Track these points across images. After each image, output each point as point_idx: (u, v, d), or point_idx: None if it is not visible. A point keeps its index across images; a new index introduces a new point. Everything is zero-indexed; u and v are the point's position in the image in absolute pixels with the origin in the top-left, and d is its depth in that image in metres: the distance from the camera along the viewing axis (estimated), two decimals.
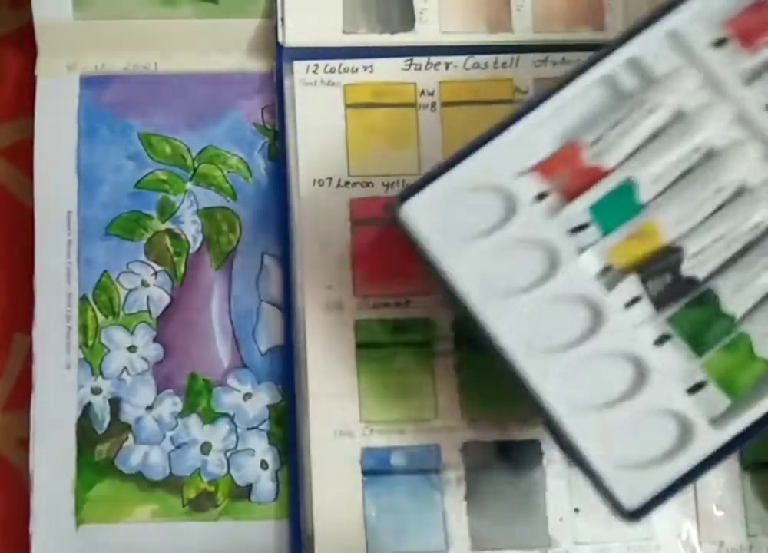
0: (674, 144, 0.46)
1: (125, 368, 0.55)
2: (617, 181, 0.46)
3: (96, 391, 0.55)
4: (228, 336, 0.56)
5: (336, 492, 0.53)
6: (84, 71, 0.58)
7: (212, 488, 0.54)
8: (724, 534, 0.54)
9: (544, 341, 0.45)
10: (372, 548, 0.53)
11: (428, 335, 0.55)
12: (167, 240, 0.57)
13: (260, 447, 0.55)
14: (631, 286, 0.45)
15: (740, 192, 0.46)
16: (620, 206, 0.46)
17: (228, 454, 0.55)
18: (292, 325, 0.55)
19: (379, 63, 0.57)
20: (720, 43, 0.47)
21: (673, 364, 0.45)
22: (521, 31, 0.59)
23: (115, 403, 0.55)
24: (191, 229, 0.57)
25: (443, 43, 0.58)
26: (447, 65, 0.58)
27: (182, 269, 0.56)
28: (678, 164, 0.46)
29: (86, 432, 0.54)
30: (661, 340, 0.45)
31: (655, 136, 0.47)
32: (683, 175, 0.46)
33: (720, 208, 0.46)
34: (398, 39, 0.58)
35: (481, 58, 0.58)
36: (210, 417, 0.55)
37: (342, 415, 0.54)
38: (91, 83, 0.58)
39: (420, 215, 0.46)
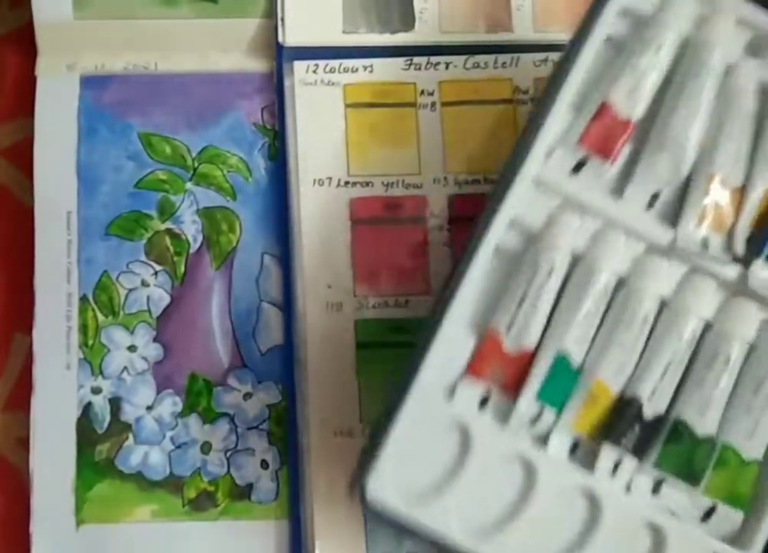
0: (582, 293, 0.45)
1: (125, 368, 0.55)
2: (549, 360, 0.45)
3: (96, 391, 0.55)
4: (228, 336, 0.56)
5: (336, 492, 0.53)
6: (84, 71, 0.58)
7: (212, 488, 0.54)
8: None
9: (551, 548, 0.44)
10: (371, 548, 0.53)
11: None
12: (167, 240, 0.57)
13: (260, 447, 0.55)
14: (608, 452, 0.44)
15: (663, 310, 0.45)
16: (561, 381, 0.45)
17: (228, 454, 0.55)
18: (292, 325, 0.55)
19: (378, 63, 0.58)
20: (579, 166, 0.46)
21: (679, 505, 0.45)
22: (521, 30, 0.59)
23: (115, 403, 0.55)
24: (191, 229, 0.57)
25: (443, 43, 0.58)
26: (447, 65, 0.58)
27: (182, 269, 0.56)
28: (595, 312, 0.45)
29: (86, 432, 0.54)
30: (657, 487, 0.45)
31: (561, 293, 0.45)
32: (606, 319, 0.45)
33: (651, 337, 0.45)
34: (398, 39, 0.58)
35: (481, 58, 0.58)
36: (210, 417, 0.55)
37: (342, 415, 0.54)
38: (91, 83, 0.58)
39: (389, 490, 0.43)
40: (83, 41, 0.58)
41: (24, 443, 0.54)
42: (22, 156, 0.57)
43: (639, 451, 0.44)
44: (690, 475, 0.44)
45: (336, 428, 0.53)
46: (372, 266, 0.55)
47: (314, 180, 0.56)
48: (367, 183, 0.56)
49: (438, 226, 0.56)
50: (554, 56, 0.58)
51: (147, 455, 0.54)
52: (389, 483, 0.43)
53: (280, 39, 0.58)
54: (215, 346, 0.56)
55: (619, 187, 0.46)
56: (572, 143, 0.46)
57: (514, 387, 0.45)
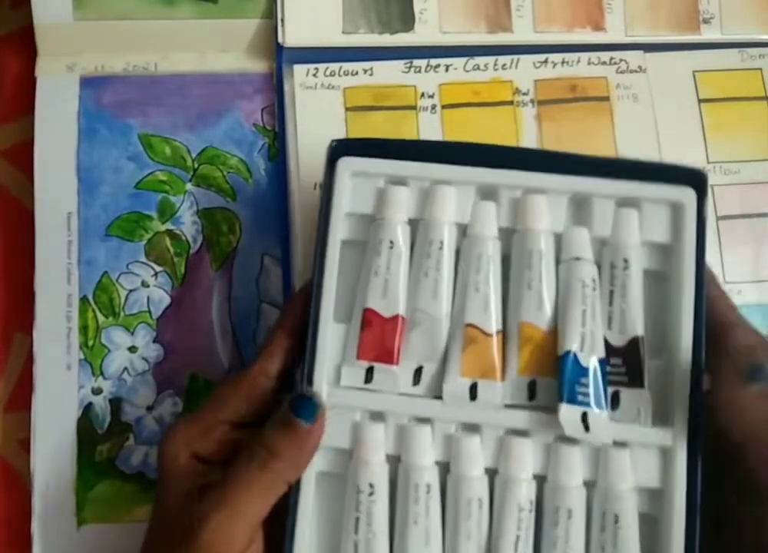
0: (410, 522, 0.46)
1: (125, 368, 0.55)
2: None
3: (96, 391, 0.55)
4: (228, 337, 0.56)
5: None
6: (84, 72, 0.58)
7: None
8: None
9: None
10: None
11: None
12: (167, 241, 0.57)
13: None
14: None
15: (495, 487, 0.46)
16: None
17: None
18: None
19: (378, 66, 0.58)
20: (369, 377, 0.47)
21: None
22: (521, 31, 0.59)
23: (116, 403, 0.55)
24: (191, 229, 0.57)
25: (443, 43, 0.58)
26: (447, 67, 0.58)
27: (182, 269, 0.56)
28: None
29: (86, 432, 0.54)
30: None
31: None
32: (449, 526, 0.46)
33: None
34: (398, 39, 0.58)
35: (481, 60, 0.58)
36: None
37: None
38: (91, 83, 0.58)
39: None
40: (83, 42, 0.58)
41: (24, 444, 0.54)
42: (22, 157, 0.57)
43: None
44: None
45: None
46: None
47: (315, 184, 0.56)
48: None
49: None
50: (554, 57, 0.58)
51: (147, 455, 0.55)
52: None
53: (280, 40, 0.58)
54: (215, 347, 0.56)
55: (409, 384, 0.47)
56: (353, 359, 0.47)
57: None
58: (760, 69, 0.59)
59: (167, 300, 0.56)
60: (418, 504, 0.45)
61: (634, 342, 0.46)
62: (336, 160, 0.48)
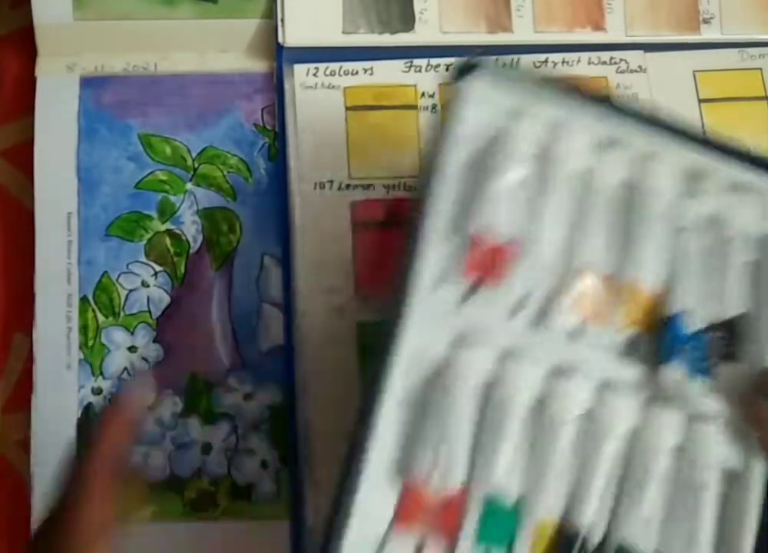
0: (501, 423, 0.44)
1: (125, 368, 0.55)
2: (479, 502, 0.44)
3: (96, 391, 0.55)
4: (228, 337, 0.56)
5: None
6: (84, 72, 0.58)
7: (212, 489, 0.54)
8: None
9: None
10: None
11: None
12: (167, 241, 0.57)
13: (260, 447, 0.55)
14: None
15: (586, 427, 0.45)
16: (498, 520, 0.44)
17: (228, 454, 0.55)
18: (292, 326, 0.55)
19: (379, 65, 0.58)
20: (469, 294, 0.45)
21: None
22: (521, 31, 0.59)
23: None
24: (191, 229, 0.57)
25: (443, 43, 0.58)
26: (447, 67, 0.58)
27: (182, 269, 0.56)
28: (518, 441, 0.44)
29: (86, 433, 0.54)
30: None
31: (479, 424, 0.44)
32: (530, 446, 0.44)
33: (578, 457, 0.45)
34: (398, 39, 0.58)
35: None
36: (210, 417, 0.55)
37: (343, 417, 0.53)
38: (91, 83, 0.58)
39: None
40: (83, 42, 0.58)
41: (24, 444, 0.54)
42: (22, 157, 0.57)
43: None
44: None
45: (337, 429, 0.53)
46: (374, 268, 0.55)
47: (315, 184, 0.56)
48: (368, 186, 0.56)
49: None
50: (555, 57, 0.58)
51: (147, 456, 0.54)
52: None
53: (280, 39, 0.58)
54: (215, 347, 0.56)
55: (511, 311, 0.45)
56: (458, 275, 0.45)
57: (450, 531, 0.43)
58: (760, 69, 0.59)
59: (167, 300, 0.56)
60: (506, 430, 0.44)
61: (740, 318, 0.46)
62: (464, 76, 0.46)
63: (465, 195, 0.46)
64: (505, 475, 0.44)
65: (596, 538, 0.44)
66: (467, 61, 0.46)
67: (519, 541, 0.44)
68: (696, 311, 0.45)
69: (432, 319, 0.44)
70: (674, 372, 0.45)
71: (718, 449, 0.45)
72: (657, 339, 0.45)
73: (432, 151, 0.46)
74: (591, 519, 0.44)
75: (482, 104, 0.46)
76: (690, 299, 0.46)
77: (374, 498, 0.43)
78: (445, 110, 0.47)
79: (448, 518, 0.43)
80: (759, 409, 0.44)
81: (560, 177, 0.46)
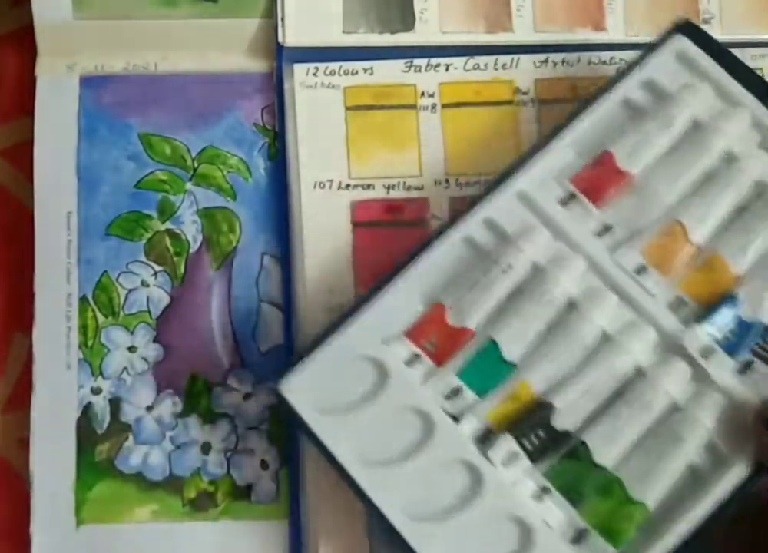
0: (531, 300, 0.48)
1: (125, 368, 0.55)
2: (480, 343, 0.48)
3: (96, 391, 0.55)
4: (228, 336, 0.56)
5: (337, 492, 0.53)
6: (84, 71, 0.58)
7: (212, 488, 0.54)
8: None
9: (426, 508, 0.47)
10: (375, 548, 0.53)
11: None
12: (167, 240, 0.57)
13: (260, 447, 0.55)
14: (507, 443, 0.46)
15: (602, 341, 0.48)
16: (489, 368, 0.48)
17: (228, 454, 0.55)
18: (292, 326, 0.55)
19: (378, 65, 0.58)
20: (567, 200, 0.50)
21: (555, 518, 0.46)
22: (522, 31, 0.59)
23: (115, 403, 0.55)
24: (191, 229, 0.57)
25: (443, 43, 0.58)
26: (447, 67, 0.58)
27: (182, 269, 0.56)
28: (539, 319, 0.48)
29: (86, 432, 0.54)
30: (540, 494, 0.47)
31: (513, 294, 0.49)
32: (548, 330, 0.48)
33: (584, 360, 0.48)
34: (398, 39, 0.58)
35: (481, 59, 0.58)
36: (210, 417, 0.55)
37: None
38: (91, 83, 0.58)
39: (300, 392, 0.48)
40: (83, 41, 0.58)
41: (24, 443, 0.54)
42: (22, 156, 0.57)
43: (535, 455, 0.47)
44: (574, 495, 0.46)
45: None
46: (374, 268, 0.55)
47: (315, 183, 0.56)
48: (368, 186, 0.56)
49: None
50: (555, 57, 0.58)
51: (147, 456, 0.54)
52: (304, 387, 0.48)
53: (280, 39, 0.58)
54: (215, 347, 0.56)
55: (598, 232, 0.49)
56: (565, 179, 0.50)
57: (441, 358, 0.48)
58: (761, 69, 0.59)
59: (166, 300, 0.56)
60: (532, 307, 0.48)
61: None
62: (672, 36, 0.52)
63: (615, 122, 0.51)
64: (516, 338, 0.48)
65: (561, 425, 0.47)
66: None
67: (494, 391, 0.47)
68: (761, 306, 0.47)
69: (522, 199, 0.50)
70: (706, 336, 0.47)
71: (711, 419, 0.46)
72: (709, 310, 0.47)
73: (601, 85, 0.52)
74: (568, 408, 0.47)
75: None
76: (760, 292, 0.48)
77: (401, 301, 0.49)
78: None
79: (447, 346, 0.48)
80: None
81: (709, 148, 0.50)
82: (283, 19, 0.58)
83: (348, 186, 0.56)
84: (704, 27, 0.59)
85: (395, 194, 0.56)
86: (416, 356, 0.48)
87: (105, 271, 0.56)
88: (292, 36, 0.58)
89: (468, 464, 0.46)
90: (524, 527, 0.46)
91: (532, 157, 0.50)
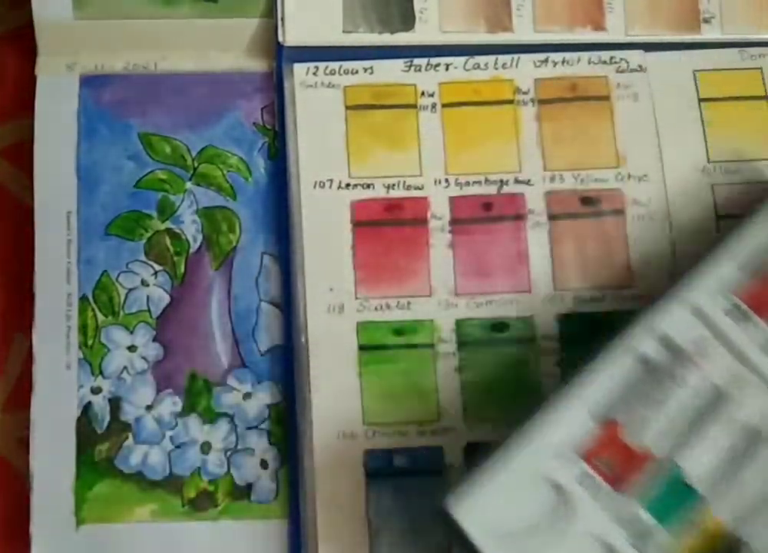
0: (714, 422, 0.47)
1: (125, 367, 0.55)
2: (662, 466, 0.46)
3: (96, 391, 0.55)
4: (228, 336, 0.56)
5: (338, 493, 0.53)
6: (84, 71, 0.58)
7: (212, 488, 0.54)
8: None
9: None
10: (375, 549, 0.53)
11: (430, 337, 0.55)
12: (167, 240, 0.57)
13: (260, 447, 0.55)
14: None
15: None
16: (673, 496, 0.46)
17: (228, 454, 0.54)
18: (292, 325, 0.55)
19: (379, 64, 0.58)
20: (736, 314, 0.48)
21: None
22: (522, 31, 0.59)
23: (115, 403, 0.55)
24: (191, 229, 0.57)
25: (443, 43, 0.58)
26: (447, 66, 0.58)
27: (182, 268, 0.56)
28: (723, 444, 0.46)
29: (86, 432, 0.54)
30: None
31: (692, 413, 0.47)
32: (733, 457, 0.46)
33: None
34: (398, 39, 0.58)
35: (481, 59, 0.58)
36: (210, 417, 0.55)
37: (343, 416, 0.54)
38: (91, 83, 0.58)
39: (473, 515, 0.45)
40: (83, 41, 0.58)
41: (24, 443, 0.54)
42: (22, 156, 0.57)
43: None
44: None
45: (338, 429, 0.53)
46: (374, 268, 0.55)
47: (315, 183, 0.56)
48: (368, 185, 0.56)
49: (440, 227, 0.56)
50: (555, 56, 0.58)
51: (146, 455, 0.54)
52: (477, 509, 0.45)
53: (280, 39, 0.58)
54: (215, 346, 0.56)
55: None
56: (730, 292, 0.49)
57: (622, 481, 0.45)
58: (760, 69, 0.59)
59: (166, 299, 0.56)
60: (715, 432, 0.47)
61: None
62: None
63: None
64: (700, 463, 0.46)
65: None
66: None
67: (680, 523, 0.45)
68: None
69: (695, 314, 0.48)
70: None
71: None
72: None
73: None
74: (760, 543, 0.45)
75: None
76: None
77: (571, 419, 0.46)
78: None
79: (625, 468, 0.46)
80: None
81: None
82: (282, 19, 0.58)
83: (348, 185, 0.56)
84: (704, 26, 0.60)
85: (395, 194, 0.56)
86: (589, 477, 0.46)
87: (105, 271, 0.56)
88: (292, 36, 0.58)
89: None
90: None
91: (700, 269, 0.49)
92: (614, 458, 0.46)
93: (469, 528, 0.45)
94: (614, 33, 0.59)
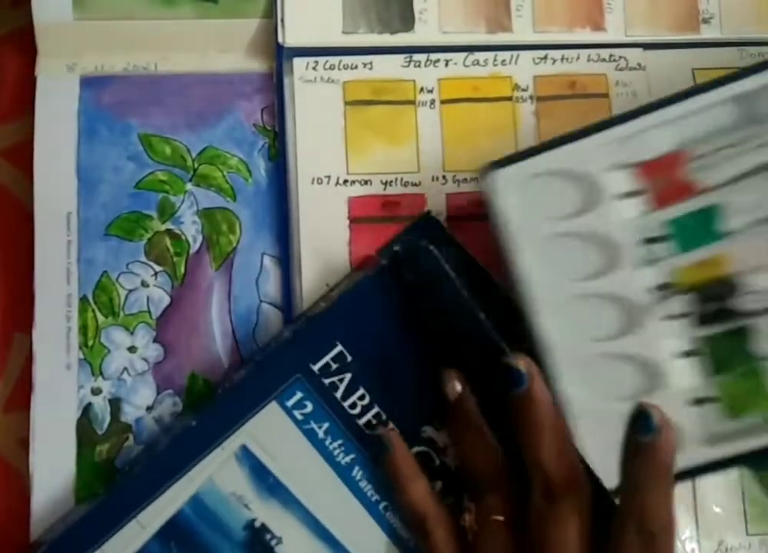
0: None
1: (125, 368, 0.55)
2: (705, 203, 0.48)
3: (96, 391, 0.55)
4: (228, 337, 0.56)
5: None
6: (84, 72, 0.58)
7: None
8: (725, 532, 0.54)
9: (578, 332, 0.48)
10: None
11: None
12: (167, 241, 0.57)
13: None
14: (681, 303, 0.48)
15: None
16: (701, 229, 0.48)
17: None
18: None
19: (378, 60, 0.58)
20: None
21: (688, 379, 0.48)
22: (521, 31, 0.59)
23: (115, 403, 0.55)
24: (191, 229, 0.57)
25: (443, 43, 0.58)
26: (446, 62, 0.58)
27: (182, 269, 0.56)
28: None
29: (86, 433, 0.54)
30: (688, 354, 0.48)
31: (759, 171, 0.49)
32: None
33: None
34: (397, 39, 0.58)
35: (480, 55, 0.58)
36: None
37: None
38: (91, 83, 0.58)
39: (505, 188, 0.48)
40: (83, 42, 0.58)
41: (24, 443, 0.54)
42: (22, 156, 0.57)
43: (702, 322, 0.49)
44: (718, 367, 0.48)
45: None
46: (370, 264, 0.55)
47: (313, 179, 0.56)
48: (366, 182, 0.56)
49: None
50: (554, 53, 0.58)
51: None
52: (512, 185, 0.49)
53: (280, 39, 0.58)
54: (215, 347, 0.56)
55: None
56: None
57: (663, 203, 0.49)
58: None
59: (166, 300, 0.56)
60: None
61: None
62: None
63: None
64: (742, 211, 0.49)
65: (744, 307, 0.48)
66: None
67: (695, 252, 0.49)
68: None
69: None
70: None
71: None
72: None
73: None
74: (756, 293, 0.48)
75: None
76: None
77: (649, 134, 0.49)
78: None
79: (673, 193, 0.49)
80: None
81: None
82: (282, 19, 0.58)
83: (345, 181, 0.56)
84: (703, 27, 0.60)
85: (392, 190, 0.56)
86: (638, 192, 0.49)
87: (105, 271, 0.56)
88: (292, 36, 0.58)
89: (634, 305, 0.48)
90: (656, 373, 0.48)
91: None
92: (667, 182, 0.49)
93: (499, 200, 0.49)
94: (613, 33, 0.59)
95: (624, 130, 0.48)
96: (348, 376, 0.50)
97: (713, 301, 0.48)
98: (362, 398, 0.50)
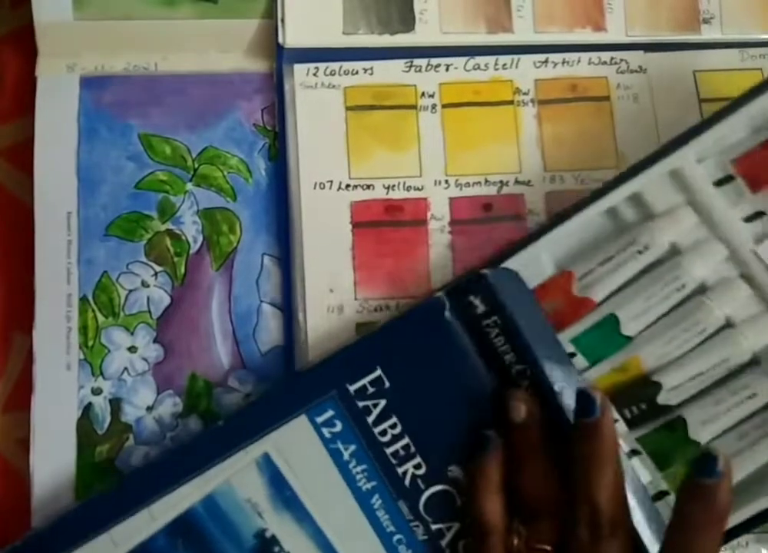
0: (662, 282, 0.50)
1: (125, 368, 0.55)
2: (601, 316, 0.50)
3: (96, 391, 0.55)
4: (228, 337, 0.56)
5: None
6: (84, 72, 0.58)
7: None
8: None
9: None
10: None
11: None
12: (168, 241, 0.57)
13: None
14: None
15: (724, 329, 0.50)
16: (604, 340, 0.50)
17: None
18: (292, 326, 0.55)
19: (379, 65, 0.58)
20: (723, 182, 0.50)
21: (643, 476, 0.50)
22: (522, 31, 0.59)
23: (115, 404, 0.55)
24: (191, 229, 0.57)
25: (443, 43, 0.58)
26: (447, 67, 0.58)
27: (182, 269, 0.56)
28: (665, 301, 0.50)
29: (86, 433, 0.54)
30: (630, 455, 0.50)
31: (644, 272, 0.51)
32: (671, 311, 0.50)
33: (701, 344, 0.50)
34: (398, 40, 0.58)
35: (481, 60, 0.58)
36: (211, 417, 0.55)
37: None
38: (91, 83, 0.58)
39: None
40: (83, 42, 0.58)
41: (24, 443, 0.54)
42: (22, 156, 0.57)
43: (633, 423, 0.50)
44: (662, 461, 0.50)
45: None
46: (374, 269, 0.55)
47: (315, 184, 0.56)
48: (368, 186, 0.56)
49: (440, 228, 0.56)
50: (555, 57, 0.58)
51: (147, 456, 0.54)
52: None
53: (280, 40, 0.58)
54: (215, 347, 0.56)
55: (747, 218, 0.51)
56: (728, 159, 0.51)
57: (562, 325, 0.51)
58: (760, 69, 0.59)
59: (167, 300, 0.56)
60: (660, 290, 0.50)
61: None
62: None
63: None
64: (638, 315, 0.50)
65: (665, 401, 0.50)
66: None
67: (605, 361, 0.51)
68: None
69: (674, 177, 0.51)
70: None
71: None
72: None
73: None
74: (675, 388, 0.50)
75: None
76: None
77: (533, 263, 0.51)
78: None
79: (568, 313, 0.51)
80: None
81: None
82: (283, 20, 0.58)
83: (348, 186, 0.56)
84: (704, 27, 0.60)
85: (394, 195, 0.56)
86: None
87: (105, 271, 0.56)
88: (292, 37, 0.58)
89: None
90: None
91: (699, 133, 0.50)
92: (560, 303, 0.50)
93: None
94: (614, 33, 0.59)
95: (519, 259, 0.50)
96: (383, 402, 0.49)
97: (636, 404, 0.50)
98: (393, 426, 0.49)
